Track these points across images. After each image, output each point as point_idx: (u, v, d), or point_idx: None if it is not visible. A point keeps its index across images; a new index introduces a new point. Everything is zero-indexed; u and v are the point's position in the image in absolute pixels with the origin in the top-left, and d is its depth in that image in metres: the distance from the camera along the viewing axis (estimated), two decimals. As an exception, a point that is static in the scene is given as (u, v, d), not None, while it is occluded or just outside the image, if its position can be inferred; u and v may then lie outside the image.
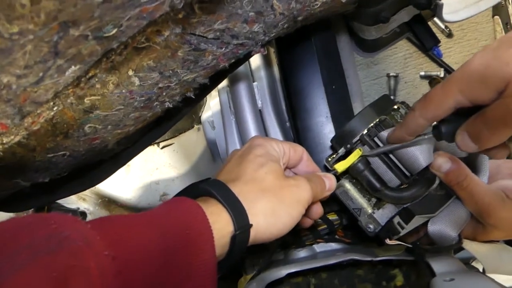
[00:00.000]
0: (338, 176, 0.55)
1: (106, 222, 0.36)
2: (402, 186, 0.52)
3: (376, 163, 0.52)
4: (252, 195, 0.45)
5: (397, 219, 0.50)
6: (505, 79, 0.36)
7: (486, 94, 0.38)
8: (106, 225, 0.35)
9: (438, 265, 0.45)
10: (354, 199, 0.53)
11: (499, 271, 0.48)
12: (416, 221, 0.50)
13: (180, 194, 0.46)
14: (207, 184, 0.45)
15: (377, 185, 0.51)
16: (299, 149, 0.54)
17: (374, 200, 0.54)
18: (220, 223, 0.41)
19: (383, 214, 0.52)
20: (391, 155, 0.52)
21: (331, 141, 0.57)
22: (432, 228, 0.50)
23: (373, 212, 0.52)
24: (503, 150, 0.44)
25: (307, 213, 0.53)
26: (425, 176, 0.50)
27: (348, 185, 0.54)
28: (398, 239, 0.52)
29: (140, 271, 0.34)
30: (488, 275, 0.48)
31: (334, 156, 0.55)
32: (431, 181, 0.50)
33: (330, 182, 0.53)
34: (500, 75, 0.36)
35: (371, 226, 0.52)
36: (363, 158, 0.52)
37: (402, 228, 0.50)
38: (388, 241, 0.52)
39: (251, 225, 0.43)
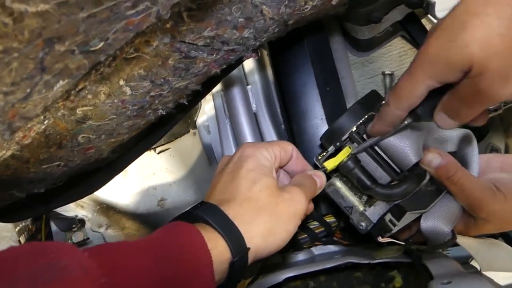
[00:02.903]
0: (328, 174, 0.54)
1: (103, 249, 0.35)
2: (393, 183, 0.52)
3: (366, 160, 0.52)
4: (248, 216, 0.44)
5: (388, 217, 0.50)
6: (468, 60, 0.37)
7: (453, 75, 0.39)
8: (104, 253, 0.35)
9: (435, 268, 0.45)
10: (345, 197, 0.53)
11: (494, 267, 0.48)
12: (408, 217, 0.50)
13: (175, 220, 0.46)
14: (202, 211, 0.44)
15: (368, 182, 0.50)
16: (289, 148, 0.53)
17: (365, 197, 0.53)
18: (217, 250, 0.41)
19: (375, 212, 0.52)
20: (380, 152, 0.52)
21: (321, 139, 0.57)
22: (425, 224, 0.50)
23: (365, 210, 0.52)
24: (482, 117, 0.44)
25: None
26: (415, 172, 0.50)
27: (338, 183, 0.54)
28: (390, 237, 0.52)
29: None
30: (487, 273, 0.48)
31: (324, 154, 0.54)
32: (422, 176, 0.50)
33: (320, 180, 0.52)
34: (463, 58, 0.37)
35: (363, 224, 0.52)
36: (353, 156, 0.52)
37: (394, 225, 0.50)
38: (380, 239, 0.51)
39: (248, 249, 0.42)
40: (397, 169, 0.52)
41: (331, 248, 0.60)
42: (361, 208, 0.52)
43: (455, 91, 0.41)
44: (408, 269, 0.54)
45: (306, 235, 0.60)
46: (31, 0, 0.24)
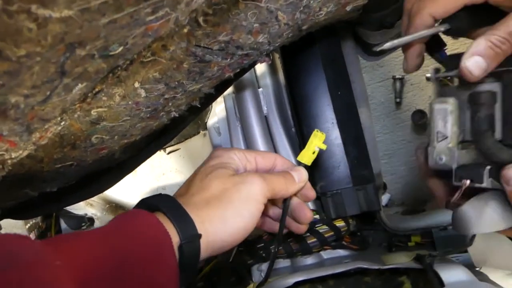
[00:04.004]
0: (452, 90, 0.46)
1: (60, 237, 0.37)
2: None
3: (498, 110, 0.44)
4: (198, 204, 0.44)
5: (486, 170, 0.43)
6: None
7: None
8: (59, 239, 0.36)
9: (447, 275, 0.44)
10: (447, 123, 0.45)
11: (487, 264, 0.47)
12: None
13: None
14: (153, 199, 0.45)
15: (485, 126, 0.42)
16: (270, 156, 0.53)
17: (461, 136, 0.45)
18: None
19: (463, 157, 0.44)
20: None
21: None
22: (466, 207, 0.44)
23: (456, 148, 0.44)
24: None
25: (295, 218, 0.53)
26: None
27: (453, 107, 0.44)
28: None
29: (97, 277, 0.34)
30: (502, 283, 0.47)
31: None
32: None
33: (299, 174, 0.51)
34: None
35: (443, 158, 0.45)
36: (492, 93, 0.43)
37: (482, 182, 0.43)
38: (465, 182, 0.43)
39: (199, 235, 0.42)
40: None
41: (340, 252, 0.60)
42: (452, 144, 0.45)
43: (504, 23, 0.37)
44: (417, 275, 0.54)
45: (315, 239, 0.60)
46: (56, 6, 0.24)
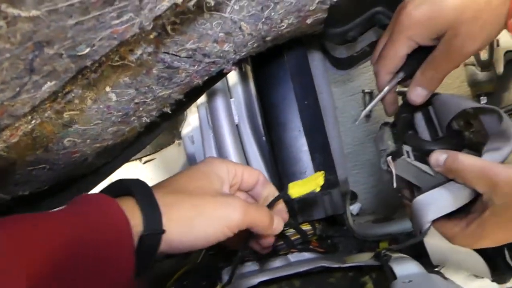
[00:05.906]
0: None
1: (10, 221, 0.35)
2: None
3: (418, 117, 0.56)
4: (172, 200, 0.44)
5: (405, 152, 0.53)
6: (448, 22, 0.43)
7: (429, 38, 0.46)
8: (9, 225, 0.34)
9: (399, 269, 0.47)
10: (384, 142, 0.56)
11: (447, 264, 0.50)
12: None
13: (103, 191, 0.45)
14: (129, 182, 0.44)
15: (409, 131, 0.54)
16: (255, 172, 0.54)
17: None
18: (133, 221, 0.40)
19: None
20: (431, 112, 0.56)
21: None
22: (418, 199, 0.50)
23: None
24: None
25: (257, 238, 0.53)
26: (451, 138, 0.52)
27: (388, 131, 0.57)
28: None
29: (49, 264, 0.33)
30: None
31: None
32: (457, 146, 0.51)
33: (278, 221, 0.52)
34: (444, 20, 0.44)
35: (383, 166, 0.56)
36: (408, 107, 0.55)
37: (402, 156, 0.53)
38: (389, 160, 0.54)
39: (163, 231, 0.41)
40: (440, 133, 0.53)
41: (307, 255, 0.62)
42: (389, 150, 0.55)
43: (430, 60, 0.47)
44: (379, 274, 0.56)
45: (282, 242, 0.62)
46: (24, 6, 0.26)
